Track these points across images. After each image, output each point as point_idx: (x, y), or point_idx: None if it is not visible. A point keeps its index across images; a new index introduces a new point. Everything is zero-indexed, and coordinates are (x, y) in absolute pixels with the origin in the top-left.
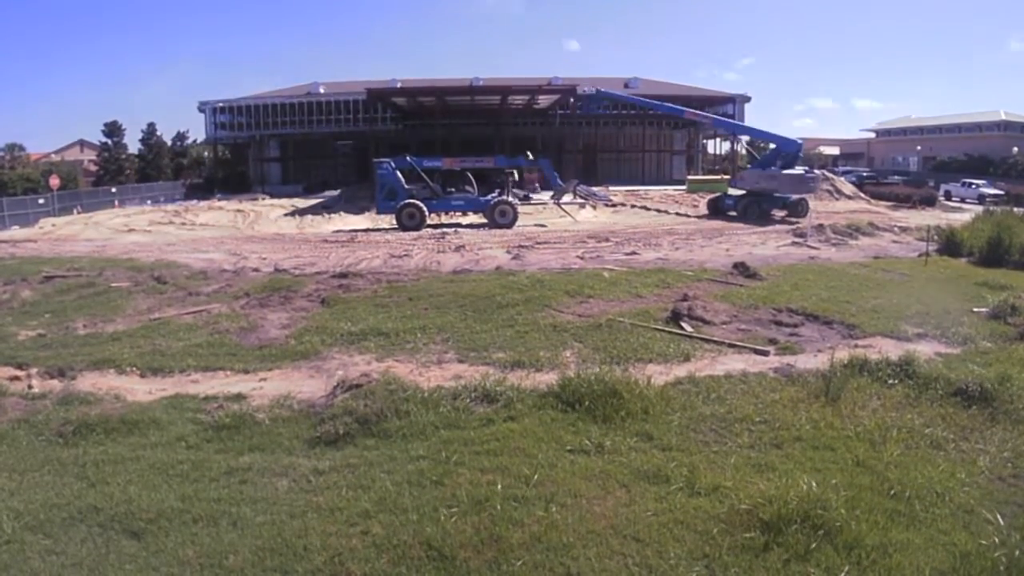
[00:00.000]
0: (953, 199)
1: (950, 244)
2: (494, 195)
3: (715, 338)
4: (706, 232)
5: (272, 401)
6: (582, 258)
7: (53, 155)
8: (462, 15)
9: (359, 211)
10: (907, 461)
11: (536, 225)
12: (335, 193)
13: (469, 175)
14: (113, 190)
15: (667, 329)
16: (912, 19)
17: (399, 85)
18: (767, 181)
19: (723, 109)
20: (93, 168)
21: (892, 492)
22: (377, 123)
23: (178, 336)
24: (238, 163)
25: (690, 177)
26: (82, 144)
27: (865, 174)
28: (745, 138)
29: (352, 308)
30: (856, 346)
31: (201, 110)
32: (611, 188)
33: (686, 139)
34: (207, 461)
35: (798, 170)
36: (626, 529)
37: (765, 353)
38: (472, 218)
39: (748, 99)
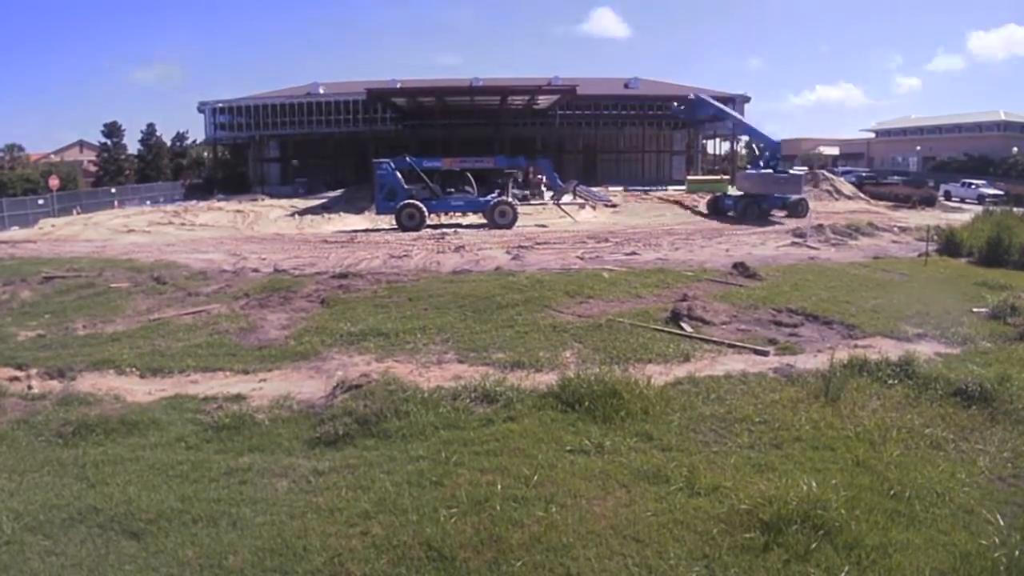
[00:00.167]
0: (953, 199)
1: (950, 244)
2: (494, 195)
3: (715, 338)
4: (706, 232)
5: (272, 402)
6: (582, 258)
7: (53, 155)
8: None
9: (359, 211)
10: (907, 461)
11: (537, 225)
12: (335, 193)
13: (469, 175)
14: (112, 190)
15: (667, 329)
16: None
17: (399, 85)
18: (759, 185)
19: None
20: (93, 169)
21: (892, 492)
22: (377, 123)
23: (178, 337)
24: (238, 163)
25: (690, 177)
26: (82, 144)
27: (865, 174)
28: (745, 138)
29: (352, 308)
30: (856, 346)
31: (201, 110)
32: (610, 188)
33: (686, 139)
34: (207, 462)
35: (784, 172)
36: (626, 529)
37: (765, 353)
38: (472, 218)
39: (748, 99)
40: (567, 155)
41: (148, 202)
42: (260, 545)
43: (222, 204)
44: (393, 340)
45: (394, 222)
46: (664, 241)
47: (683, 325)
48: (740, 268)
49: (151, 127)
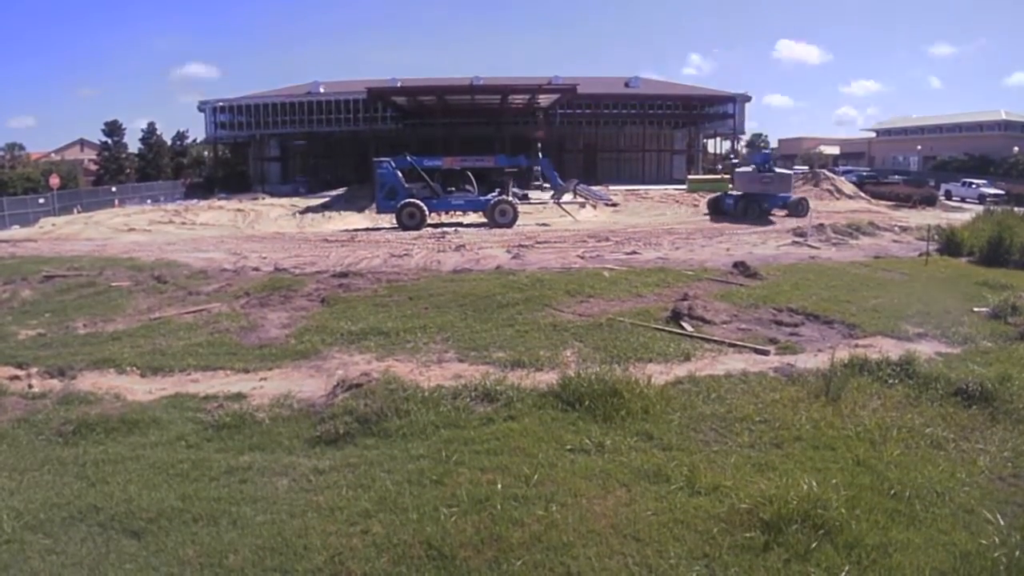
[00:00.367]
0: (953, 199)
1: (950, 244)
2: (494, 195)
3: (715, 338)
4: (706, 232)
5: (272, 400)
6: (582, 257)
7: (53, 155)
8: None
9: (359, 210)
10: (907, 461)
11: (539, 224)
12: (335, 192)
13: (469, 174)
14: (113, 189)
15: (667, 328)
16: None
17: (399, 84)
18: (750, 184)
19: (723, 108)
20: (93, 168)
21: (892, 492)
22: (377, 122)
23: (178, 335)
24: (238, 162)
25: (690, 177)
26: (82, 144)
27: (865, 173)
28: (745, 138)
29: (352, 307)
30: (856, 346)
31: (201, 109)
32: (611, 188)
33: (686, 139)
34: (207, 460)
35: (772, 172)
36: (626, 528)
37: (765, 353)
38: (472, 217)
39: (748, 99)
40: (567, 154)
41: (148, 201)
42: (260, 544)
43: (222, 203)
44: (393, 339)
45: (394, 221)
46: (664, 240)
47: (684, 324)
48: (741, 267)
49: (151, 126)
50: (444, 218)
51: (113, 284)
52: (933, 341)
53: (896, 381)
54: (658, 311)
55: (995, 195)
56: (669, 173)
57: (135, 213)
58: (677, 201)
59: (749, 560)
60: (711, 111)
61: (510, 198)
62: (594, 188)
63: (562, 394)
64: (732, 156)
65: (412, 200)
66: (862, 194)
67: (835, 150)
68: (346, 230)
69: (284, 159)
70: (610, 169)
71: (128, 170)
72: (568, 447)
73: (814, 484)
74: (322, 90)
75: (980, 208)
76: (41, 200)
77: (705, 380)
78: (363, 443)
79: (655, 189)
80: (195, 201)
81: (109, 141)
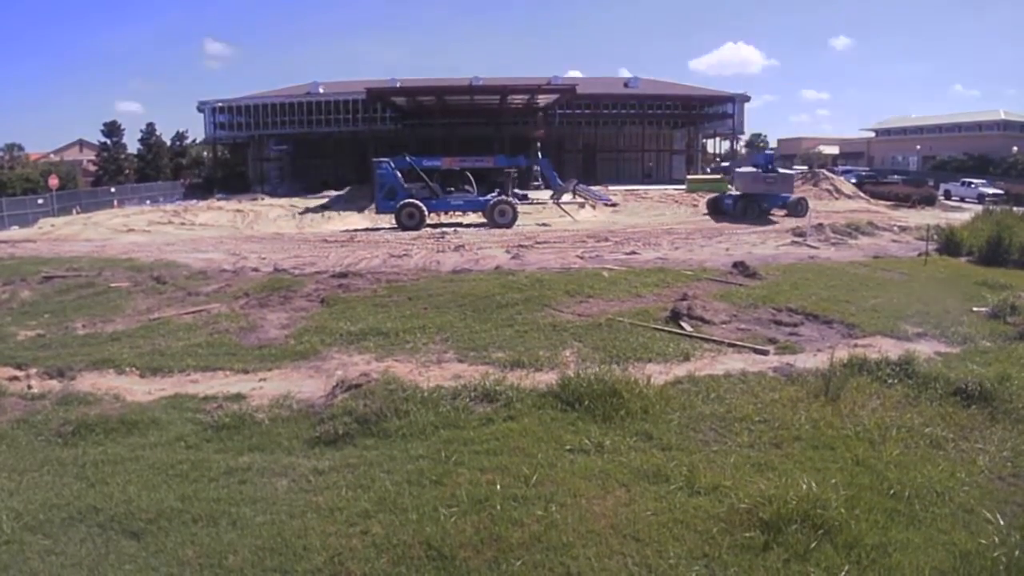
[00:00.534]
0: (953, 198)
1: (950, 243)
2: (494, 195)
3: (715, 337)
4: (705, 232)
5: (272, 401)
6: (582, 258)
7: (52, 155)
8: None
9: (359, 211)
10: (907, 460)
11: (539, 224)
12: (335, 193)
13: (468, 175)
14: (112, 190)
15: (667, 328)
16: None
17: (399, 85)
18: (751, 184)
19: (723, 108)
20: (92, 168)
21: (892, 492)
22: (377, 123)
23: (178, 336)
24: (237, 163)
25: (690, 176)
26: (81, 144)
27: (865, 173)
28: (745, 138)
29: (352, 308)
30: (856, 345)
31: (200, 110)
32: (610, 188)
33: (686, 139)
34: (207, 461)
35: (774, 172)
36: (626, 529)
37: (765, 352)
38: (472, 218)
39: (748, 99)
40: (567, 154)
41: (148, 202)
42: (260, 544)
43: (222, 204)
44: (393, 339)
45: (394, 221)
46: (664, 240)
47: (683, 324)
48: (740, 267)
49: (151, 127)
50: (443, 218)
51: (112, 285)
52: (932, 341)
53: (895, 381)
54: (657, 311)
55: (994, 195)
56: (668, 173)
57: (134, 214)
58: (676, 201)
59: (749, 560)
60: (710, 111)
61: (509, 198)
62: (593, 188)
63: (562, 394)
64: (719, 159)
65: (411, 200)
66: (861, 194)
67: (834, 150)
68: (346, 230)
69: (283, 159)
70: (609, 169)
71: (127, 171)
72: (568, 447)
73: (813, 484)
74: (321, 90)
75: (979, 208)
76: (40, 201)
77: (704, 380)
78: (363, 443)
79: (654, 189)
80: (194, 202)
81: (108, 142)
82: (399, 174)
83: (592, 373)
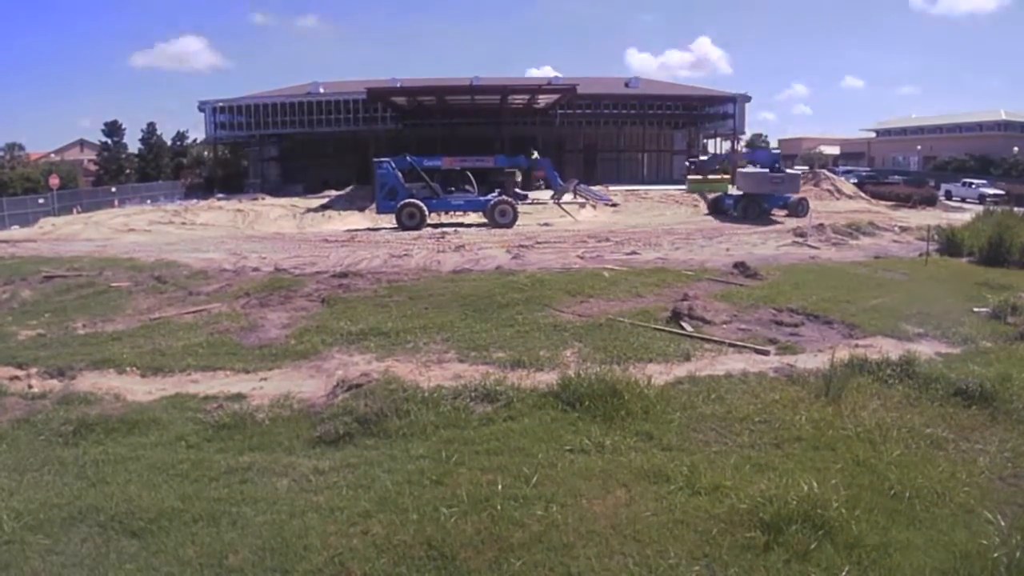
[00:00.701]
0: (953, 199)
1: (950, 244)
2: (494, 195)
3: (715, 338)
4: (706, 232)
5: (272, 401)
6: (582, 258)
7: (53, 155)
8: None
9: (359, 211)
10: (907, 461)
11: (541, 224)
12: (336, 193)
13: (469, 175)
14: (113, 190)
15: (667, 329)
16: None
17: (399, 85)
18: (756, 184)
19: (723, 109)
20: (93, 168)
21: (892, 492)
22: (377, 123)
23: (178, 336)
24: (238, 163)
25: (690, 177)
26: (82, 144)
27: (865, 174)
28: (745, 138)
29: (352, 308)
30: (856, 346)
31: (201, 110)
32: (610, 188)
33: (686, 139)
34: (207, 461)
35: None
36: (626, 528)
37: (765, 353)
38: (472, 218)
39: (748, 99)
40: (567, 154)
41: (148, 201)
42: (260, 544)
43: (222, 203)
44: (393, 339)
45: (394, 221)
46: (664, 240)
47: (684, 324)
48: (741, 268)
49: (151, 126)
50: (444, 218)
51: (113, 284)
52: (933, 341)
53: (896, 381)
54: (658, 311)
55: (995, 195)
56: (669, 173)
57: (135, 213)
58: (677, 201)
59: (749, 560)
60: (711, 111)
61: (510, 198)
62: (594, 188)
63: (562, 394)
64: (692, 160)
65: (412, 200)
66: (862, 194)
67: (835, 150)
68: (346, 230)
69: (283, 160)
70: (610, 169)
71: (128, 170)
72: (568, 447)
73: (814, 484)
74: (322, 90)
75: (980, 208)
76: (41, 200)
77: (705, 380)
78: (363, 443)
79: (655, 189)
80: (195, 201)
81: (109, 141)
82: (400, 174)
83: (593, 373)
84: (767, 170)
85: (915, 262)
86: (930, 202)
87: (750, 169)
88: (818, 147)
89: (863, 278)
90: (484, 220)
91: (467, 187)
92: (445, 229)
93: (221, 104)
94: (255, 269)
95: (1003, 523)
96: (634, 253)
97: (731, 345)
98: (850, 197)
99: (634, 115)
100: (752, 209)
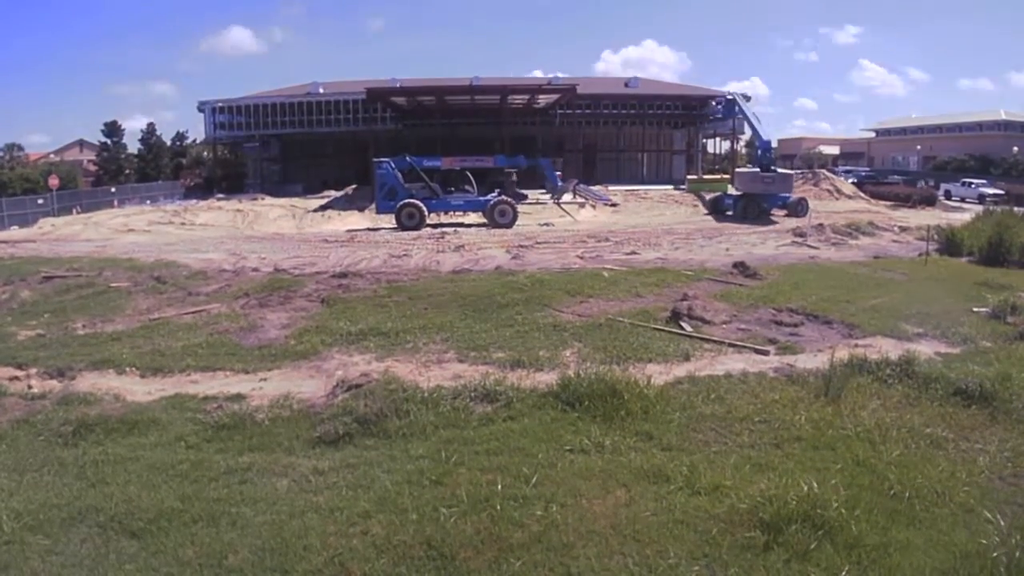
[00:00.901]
0: (953, 199)
1: (950, 244)
2: (494, 195)
3: (715, 338)
4: (706, 232)
5: (272, 401)
6: (582, 258)
7: (52, 155)
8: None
9: (359, 211)
10: (907, 461)
11: (542, 224)
12: (336, 193)
13: (469, 175)
14: (112, 190)
15: (667, 329)
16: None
17: (399, 85)
18: (751, 184)
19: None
20: (92, 168)
21: (892, 492)
22: (377, 123)
23: (178, 336)
24: (238, 163)
25: (690, 177)
26: (81, 144)
27: (864, 174)
28: (744, 137)
29: (352, 308)
30: (856, 346)
31: (200, 110)
32: (610, 188)
33: (686, 139)
34: (207, 461)
35: (773, 172)
36: (626, 528)
37: (765, 353)
38: (472, 218)
39: (748, 99)
40: (567, 154)
41: (148, 202)
42: (260, 544)
43: (222, 204)
44: (393, 339)
45: (394, 221)
46: (664, 240)
47: (683, 324)
48: (740, 267)
49: (151, 127)
50: (444, 218)
51: (112, 285)
52: (933, 341)
53: (896, 381)
54: (658, 311)
55: (995, 195)
56: (668, 173)
57: (134, 214)
58: (677, 201)
59: (749, 560)
60: (709, 111)
61: (509, 198)
62: (593, 188)
63: (562, 394)
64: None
65: (411, 200)
66: (861, 194)
67: (835, 150)
68: (346, 230)
69: (283, 160)
70: (609, 169)
71: (127, 171)
72: (568, 447)
73: (814, 484)
74: (321, 90)
75: (980, 208)
76: (40, 201)
77: (705, 380)
78: (363, 444)
79: (655, 189)
80: (194, 202)
81: (108, 142)
82: (399, 174)
83: (592, 373)
84: (758, 170)
85: (915, 262)
86: (930, 202)
87: (746, 169)
88: (818, 147)
89: (863, 278)
90: (484, 220)
91: (467, 187)
92: (445, 229)
93: (221, 104)
94: (255, 269)
95: (1003, 523)
96: (634, 253)
97: (731, 345)
98: (849, 197)
99: (634, 115)
100: (751, 209)
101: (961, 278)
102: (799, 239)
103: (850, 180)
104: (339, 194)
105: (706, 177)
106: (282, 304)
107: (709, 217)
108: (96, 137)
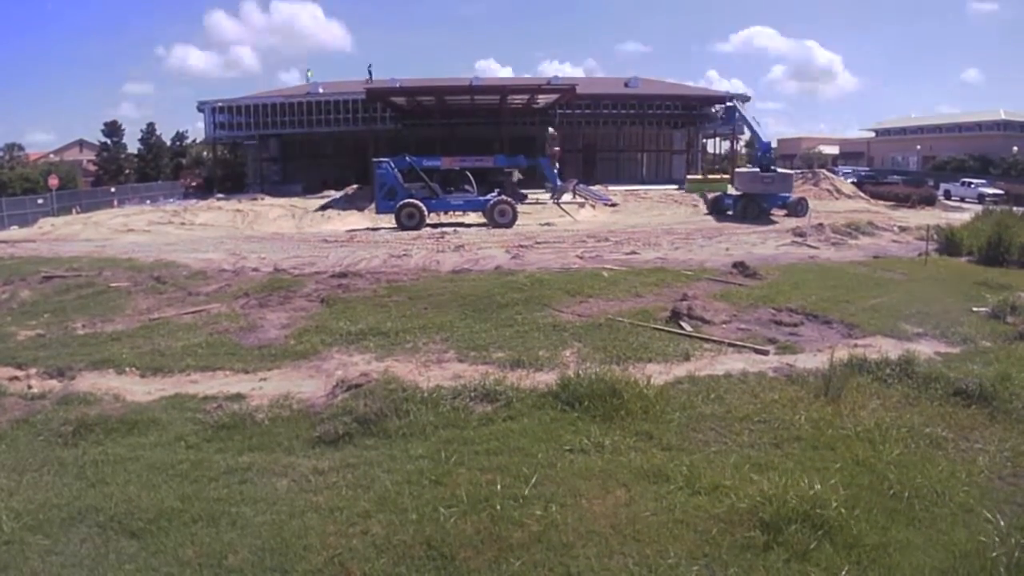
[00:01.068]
0: (953, 199)
1: (950, 244)
2: (494, 195)
3: (715, 337)
4: (705, 232)
5: (272, 401)
6: (581, 258)
7: (52, 155)
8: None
9: (359, 211)
10: (907, 460)
11: (541, 224)
12: (336, 193)
13: (468, 175)
14: (112, 190)
15: (667, 328)
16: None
17: (398, 85)
18: (750, 184)
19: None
20: (92, 168)
21: (892, 492)
22: (376, 123)
23: (177, 336)
24: (237, 163)
25: (690, 177)
26: (81, 144)
27: (864, 173)
28: (744, 138)
29: (352, 308)
30: (856, 345)
31: (200, 110)
32: (610, 188)
33: (686, 139)
34: (207, 461)
35: (773, 172)
36: (626, 528)
37: (765, 352)
38: (472, 217)
39: (748, 99)
40: (567, 154)
41: (148, 201)
42: (260, 544)
43: (221, 204)
44: (393, 339)
45: (394, 221)
46: (664, 240)
47: (683, 324)
48: (740, 267)
49: (151, 126)
50: (443, 218)
51: (112, 285)
52: (932, 341)
53: (896, 381)
54: (657, 311)
55: (994, 195)
56: (668, 173)
57: (134, 214)
58: (676, 201)
59: (749, 560)
60: (709, 111)
61: (509, 198)
62: (593, 188)
63: (561, 394)
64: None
65: (411, 200)
66: (861, 194)
67: (834, 150)
68: (346, 230)
69: (283, 160)
70: (609, 169)
71: (127, 170)
72: (568, 447)
73: (814, 484)
74: (321, 90)
75: (979, 208)
76: (40, 201)
77: (705, 380)
78: (363, 443)
79: (654, 189)
80: (194, 201)
81: (108, 142)
82: (399, 174)
83: (592, 373)
84: (758, 170)
85: (914, 262)
86: (929, 202)
87: (746, 169)
88: (817, 147)
89: (862, 278)
90: (483, 220)
91: (466, 187)
92: (444, 229)
93: (220, 104)
94: (254, 269)
95: (1003, 523)
96: (633, 253)
97: (730, 345)
98: (849, 197)
99: (633, 115)
100: (751, 209)
101: (961, 278)
102: (799, 239)
103: (850, 180)
104: (339, 194)
105: (706, 177)
106: (282, 304)
107: (709, 217)
108: (96, 137)
